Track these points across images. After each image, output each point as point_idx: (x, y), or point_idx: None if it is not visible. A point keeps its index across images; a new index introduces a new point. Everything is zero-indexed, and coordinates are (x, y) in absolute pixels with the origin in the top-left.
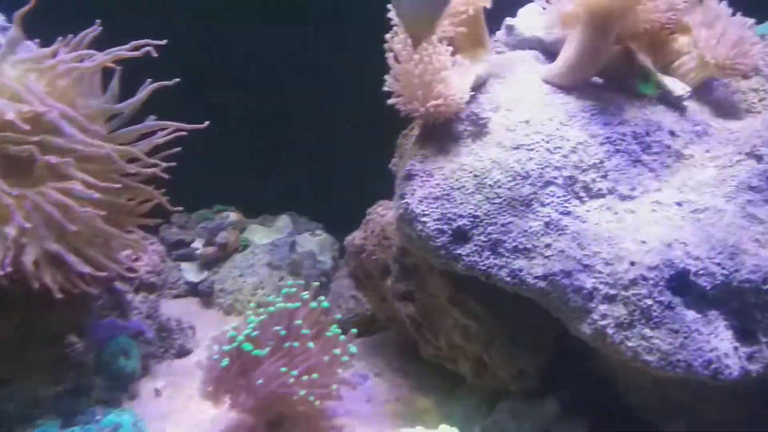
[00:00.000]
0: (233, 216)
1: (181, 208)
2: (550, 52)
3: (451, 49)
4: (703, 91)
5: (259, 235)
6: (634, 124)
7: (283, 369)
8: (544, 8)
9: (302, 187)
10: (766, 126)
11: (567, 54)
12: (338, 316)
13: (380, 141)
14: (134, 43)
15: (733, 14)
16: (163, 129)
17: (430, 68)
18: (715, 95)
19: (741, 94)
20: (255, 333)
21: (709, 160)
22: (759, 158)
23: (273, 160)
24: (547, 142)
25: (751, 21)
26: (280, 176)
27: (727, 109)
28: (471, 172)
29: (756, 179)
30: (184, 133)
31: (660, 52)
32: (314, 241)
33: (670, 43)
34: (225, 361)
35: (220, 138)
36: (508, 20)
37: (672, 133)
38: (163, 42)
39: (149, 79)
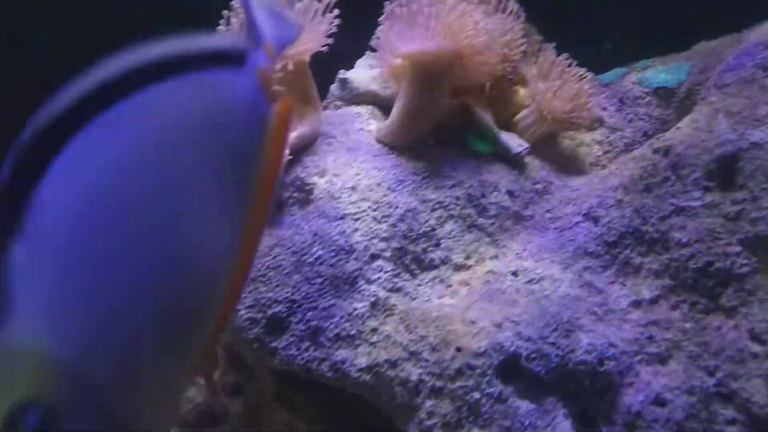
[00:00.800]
0: None
1: None
2: (386, 107)
3: None
4: (546, 145)
5: None
6: (469, 185)
7: None
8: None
9: None
10: (604, 184)
11: (397, 111)
12: None
13: None
14: None
15: (570, 65)
16: None
17: None
18: (558, 149)
19: (586, 147)
20: None
21: (549, 222)
22: (596, 221)
23: None
24: (375, 210)
25: (590, 73)
26: None
27: (571, 164)
28: (290, 248)
29: (593, 244)
30: None
31: (501, 105)
32: None
33: (511, 95)
34: None
35: None
36: (342, 73)
37: (511, 194)
38: None
39: None
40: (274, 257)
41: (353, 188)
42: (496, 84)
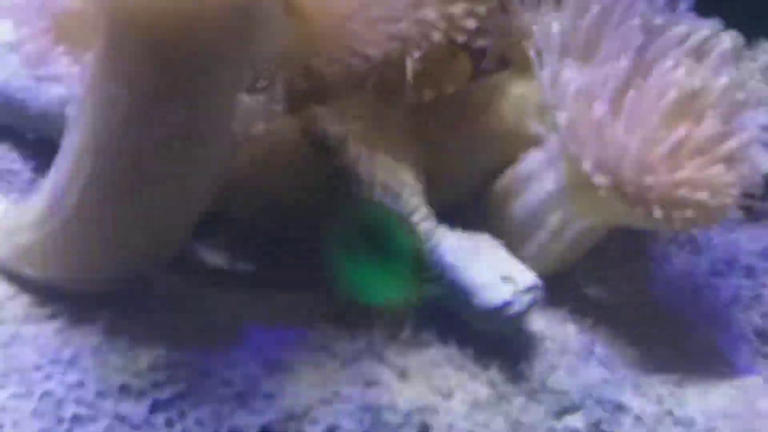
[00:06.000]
0: None
1: None
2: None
3: None
4: (598, 264)
5: None
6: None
7: None
8: None
9: None
10: None
11: (74, 166)
12: None
13: None
14: None
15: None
16: None
17: None
18: (659, 282)
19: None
20: None
21: None
22: None
23: None
24: None
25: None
26: None
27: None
28: None
29: None
30: None
31: (455, 133)
32: None
33: (485, 104)
34: None
35: None
36: None
37: None
38: None
39: None
40: None
41: None
42: (435, 70)
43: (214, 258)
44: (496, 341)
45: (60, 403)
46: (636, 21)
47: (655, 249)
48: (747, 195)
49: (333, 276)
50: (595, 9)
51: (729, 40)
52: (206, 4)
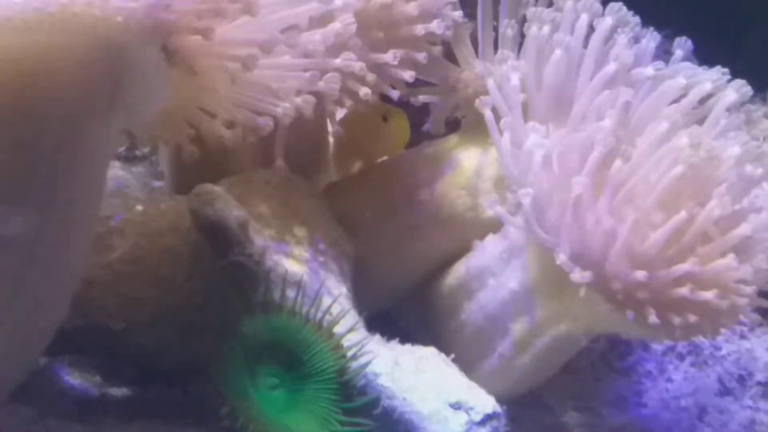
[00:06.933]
0: None
1: None
2: None
3: None
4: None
5: None
6: None
7: None
8: None
9: None
10: None
11: None
12: None
13: None
14: None
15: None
16: None
17: None
18: (654, 405)
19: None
20: None
21: None
22: None
23: None
24: None
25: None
26: None
27: None
28: None
29: None
30: None
31: (391, 215)
32: None
33: (424, 177)
34: None
35: None
36: None
37: None
38: None
39: None
40: None
41: None
42: (365, 135)
43: (80, 382)
44: None
45: None
46: (612, 68)
47: (649, 362)
48: (763, 294)
49: (231, 404)
50: (557, 54)
51: (733, 92)
52: (62, 38)
